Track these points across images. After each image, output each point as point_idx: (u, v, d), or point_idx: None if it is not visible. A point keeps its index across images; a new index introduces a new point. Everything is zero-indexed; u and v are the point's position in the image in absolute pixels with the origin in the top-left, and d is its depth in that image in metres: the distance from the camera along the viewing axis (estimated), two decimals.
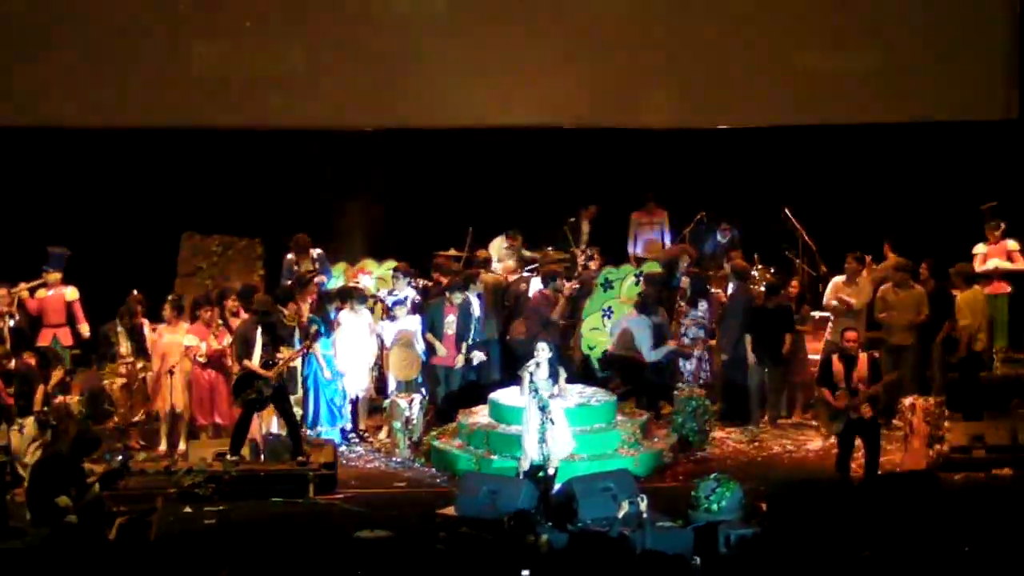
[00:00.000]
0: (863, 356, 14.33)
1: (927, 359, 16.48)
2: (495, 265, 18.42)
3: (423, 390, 16.21)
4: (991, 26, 19.43)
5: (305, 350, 15.14)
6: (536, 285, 17.51)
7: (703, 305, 16.96)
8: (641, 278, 17.42)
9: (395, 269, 17.21)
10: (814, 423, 16.31)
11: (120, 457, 13.94)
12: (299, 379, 15.63)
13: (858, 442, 14.43)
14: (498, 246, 18.67)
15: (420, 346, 16.34)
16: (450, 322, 16.37)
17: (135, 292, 16.14)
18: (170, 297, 16.07)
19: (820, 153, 19.60)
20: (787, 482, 13.77)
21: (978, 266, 17.31)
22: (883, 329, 16.49)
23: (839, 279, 16.93)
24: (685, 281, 17.38)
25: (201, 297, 16.39)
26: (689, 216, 19.08)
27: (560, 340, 16.68)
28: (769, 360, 16.52)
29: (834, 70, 19.39)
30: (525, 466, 13.83)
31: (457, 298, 16.46)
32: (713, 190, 19.33)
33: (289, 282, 16.69)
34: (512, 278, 18.11)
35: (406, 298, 16.68)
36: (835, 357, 14.48)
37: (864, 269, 16.89)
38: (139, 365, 15.61)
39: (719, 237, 18.89)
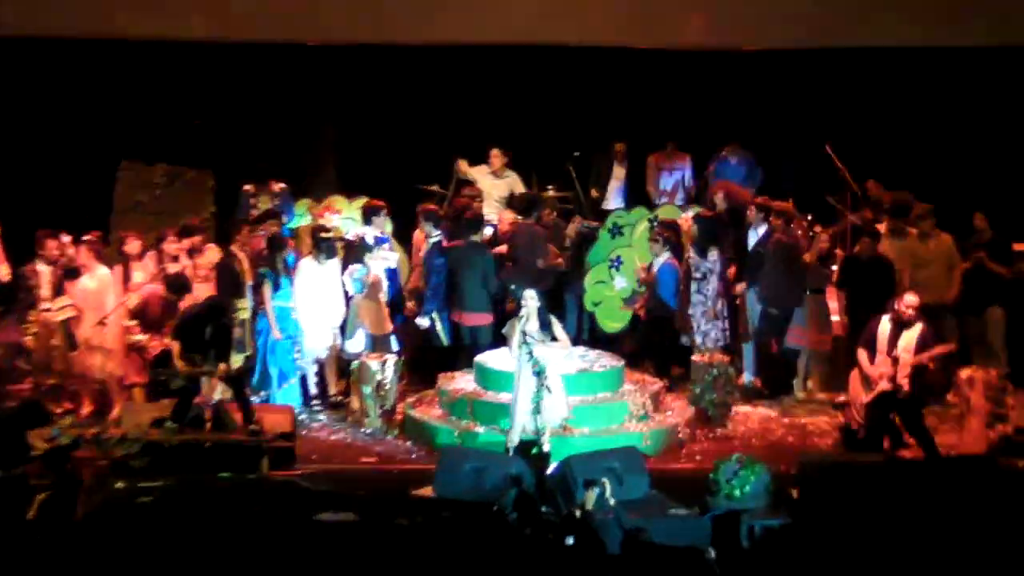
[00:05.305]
0: (920, 326, 13.53)
1: (981, 323, 15.62)
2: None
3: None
4: None
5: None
6: None
7: (713, 254, 15.35)
8: (655, 223, 16.24)
9: (366, 207, 15.93)
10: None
11: (72, 433, 13.17)
12: (248, 337, 14.89)
13: None
14: (482, 172, 17.45)
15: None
16: None
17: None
18: (86, 238, 15.12)
19: (867, 81, 18.33)
20: (821, 464, 12.58)
21: None
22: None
23: None
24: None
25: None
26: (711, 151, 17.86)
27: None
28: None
29: None
30: (515, 440, 12.98)
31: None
32: (742, 121, 18.12)
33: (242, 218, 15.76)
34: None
35: (386, 238, 15.62)
36: (885, 318, 13.64)
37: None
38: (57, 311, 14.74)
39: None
